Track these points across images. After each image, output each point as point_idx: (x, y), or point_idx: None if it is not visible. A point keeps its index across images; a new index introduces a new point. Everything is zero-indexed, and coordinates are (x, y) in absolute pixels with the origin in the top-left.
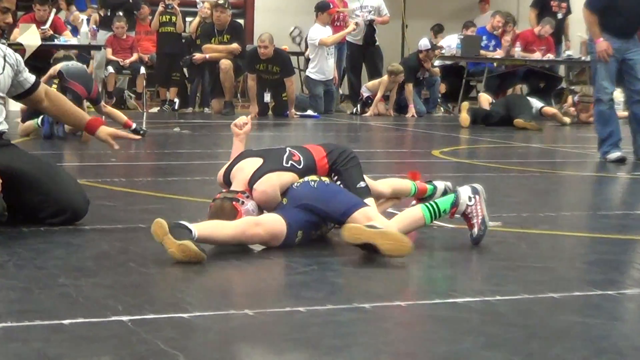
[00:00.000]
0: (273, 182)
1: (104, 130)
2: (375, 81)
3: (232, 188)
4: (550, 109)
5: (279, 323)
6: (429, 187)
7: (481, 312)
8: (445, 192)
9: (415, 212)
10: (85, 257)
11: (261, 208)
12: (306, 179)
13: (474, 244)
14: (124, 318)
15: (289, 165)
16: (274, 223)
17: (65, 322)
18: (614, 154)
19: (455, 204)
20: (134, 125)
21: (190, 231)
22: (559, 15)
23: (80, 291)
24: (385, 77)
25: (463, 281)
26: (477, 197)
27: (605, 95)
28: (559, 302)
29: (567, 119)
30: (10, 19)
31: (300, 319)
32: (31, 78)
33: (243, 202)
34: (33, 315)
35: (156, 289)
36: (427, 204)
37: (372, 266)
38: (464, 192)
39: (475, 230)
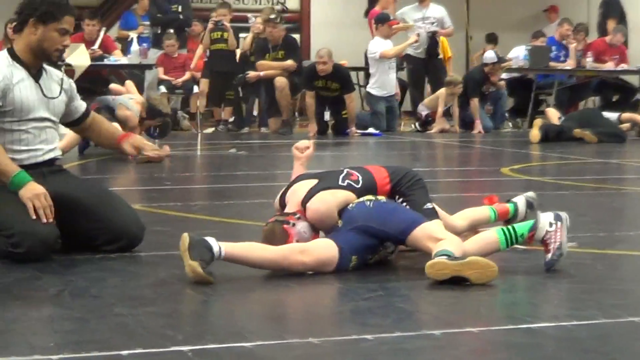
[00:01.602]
0: (327, 200)
1: (129, 139)
2: (432, 97)
3: (285, 210)
4: (629, 114)
5: (345, 352)
6: (509, 207)
7: (557, 338)
8: (530, 205)
9: (490, 236)
10: (141, 285)
11: (316, 229)
12: (362, 199)
13: (545, 269)
14: (184, 348)
15: (345, 184)
16: (324, 250)
17: (124, 353)
18: None
19: (533, 228)
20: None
21: (211, 250)
22: None
23: (137, 321)
24: (443, 90)
25: (537, 306)
26: (558, 223)
27: None
28: None
29: None
30: (69, 42)
31: (367, 348)
32: (82, 107)
33: (294, 224)
34: (90, 347)
35: (216, 317)
36: (504, 227)
37: (441, 291)
38: (545, 218)
39: (550, 255)
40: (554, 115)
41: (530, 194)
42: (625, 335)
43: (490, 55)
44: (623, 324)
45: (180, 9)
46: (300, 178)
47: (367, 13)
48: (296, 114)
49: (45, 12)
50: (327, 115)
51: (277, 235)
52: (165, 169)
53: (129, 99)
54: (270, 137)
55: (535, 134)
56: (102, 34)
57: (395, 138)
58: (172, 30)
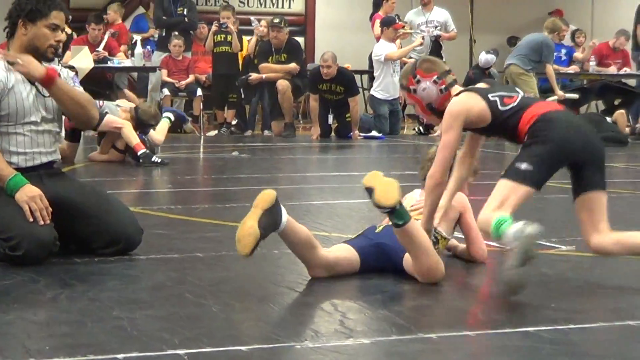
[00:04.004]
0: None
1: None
2: None
3: None
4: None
5: (342, 356)
6: None
7: (554, 342)
8: None
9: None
10: (140, 289)
11: None
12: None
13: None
14: (181, 352)
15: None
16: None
17: (120, 356)
18: None
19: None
20: (140, 151)
21: (277, 226)
22: None
23: (134, 324)
24: None
25: (535, 309)
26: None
27: None
28: (637, 330)
29: None
30: (62, 37)
31: (364, 351)
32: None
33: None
34: (86, 350)
35: (213, 320)
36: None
37: (437, 294)
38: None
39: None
40: None
41: None
42: (621, 339)
43: (485, 57)
44: (620, 328)
45: (185, 11)
46: None
47: (371, 17)
48: (299, 116)
49: (32, 10)
50: (330, 119)
51: None
52: (167, 172)
53: (115, 106)
54: (273, 140)
55: None
56: (106, 36)
57: (398, 141)
58: (177, 33)
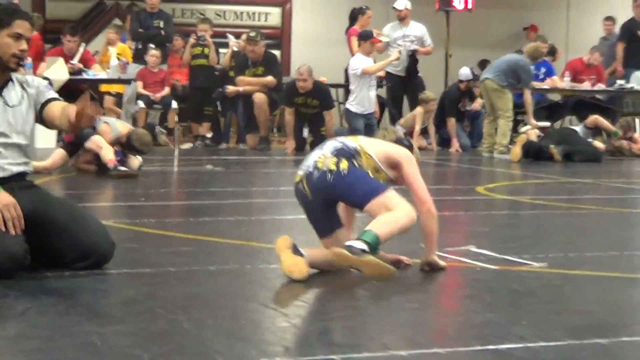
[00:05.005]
0: None
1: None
2: (408, 116)
3: None
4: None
5: None
6: None
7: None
8: None
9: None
10: (110, 303)
11: None
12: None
13: None
14: None
15: None
16: None
17: None
18: None
19: None
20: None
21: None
22: None
23: (104, 339)
24: (419, 108)
25: (505, 326)
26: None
27: None
28: (606, 348)
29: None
30: (25, 46)
31: None
32: (51, 95)
33: None
34: None
35: (184, 337)
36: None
37: (408, 311)
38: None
39: None
40: (533, 133)
41: None
42: (590, 356)
43: (465, 71)
44: (590, 346)
45: (162, 24)
46: None
47: (347, 31)
48: (274, 130)
49: None
50: (305, 132)
51: None
52: (140, 185)
53: (116, 121)
54: (247, 154)
55: (516, 151)
56: (81, 48)
57: None
58: (152, 46)
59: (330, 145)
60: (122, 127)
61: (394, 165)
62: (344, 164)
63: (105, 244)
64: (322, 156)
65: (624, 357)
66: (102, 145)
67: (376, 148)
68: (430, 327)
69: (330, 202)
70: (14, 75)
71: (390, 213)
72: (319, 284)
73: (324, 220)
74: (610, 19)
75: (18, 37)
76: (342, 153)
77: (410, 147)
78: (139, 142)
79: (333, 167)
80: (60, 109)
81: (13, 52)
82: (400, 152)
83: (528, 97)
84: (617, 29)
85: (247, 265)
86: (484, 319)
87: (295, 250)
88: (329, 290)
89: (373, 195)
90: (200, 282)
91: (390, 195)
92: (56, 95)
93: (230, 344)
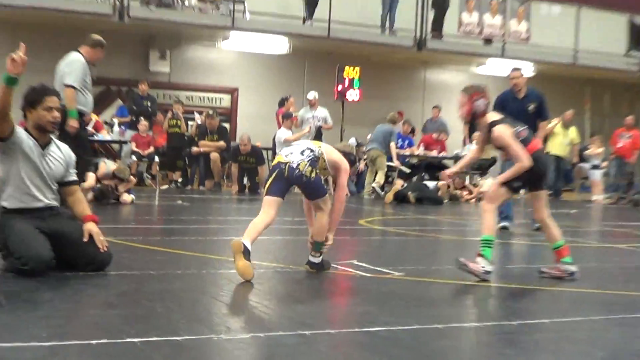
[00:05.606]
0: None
1: (88, 226)
2: None
3: None
4: (442, 183)
5: (248, 348)
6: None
7: (386, 338)
8: None
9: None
10: (110, 294)
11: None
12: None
13: None
14: (135, 340)
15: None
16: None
17: (93, 342)
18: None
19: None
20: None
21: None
22: None
23: (105, 319)
24: None
25: (375, 315)
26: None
27: None
28: (441, 331)
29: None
30: (56, 114)
31: (264, 343)
32: (73, 177)
33: None
34: (70, 337)
35: (159, 318)
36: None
37: (307, 303)
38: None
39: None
40: (399, 183)
41: None
42: (431, 336)
43: (352, 141)
44: (430, 329)
45: (149, 104)
46: None
47: (276, 112)
48: (224, 177)
49: (31, 100)
50: (245, 180)
51: None
52: (131, 213)
53: (112, 164)
54: (206, 193)
55: (389, 197)
56: (93, 119)
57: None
58: (142, 118)
59: (307, 152)
60: (112, 165)
61: (336, 169)
62: (314, 174)
63: (105, 254)
64: (302, 162)
65: (453, 337)
66: (107, 165)
67: (330, 155)
68: (323, 315)
69: (293, 186)
70: (55, 141)
71: (318, 218)
72: (256, 284)
73: (281, 191)
74: (436, 107)
75: (49, 109)
76: (312, 164)
77: (352, 162)
78: (120, 173)
79: (308, 174)
80: (74, 199)
81: (48, 119)
82: (344, 163)
83: (394, 148)
84: (441, 114)
85: (203, 270)
86: (362, 309)
87: (246, 253)
88: (260, 289)
89: (319, 197)
90: (171, 281)
91: (325, 199)
92: (75, 178)
93: (190, 324)
